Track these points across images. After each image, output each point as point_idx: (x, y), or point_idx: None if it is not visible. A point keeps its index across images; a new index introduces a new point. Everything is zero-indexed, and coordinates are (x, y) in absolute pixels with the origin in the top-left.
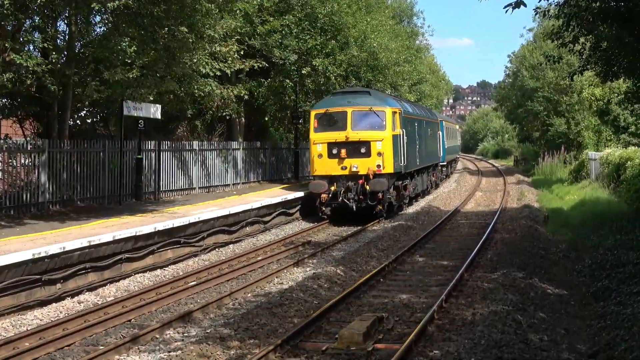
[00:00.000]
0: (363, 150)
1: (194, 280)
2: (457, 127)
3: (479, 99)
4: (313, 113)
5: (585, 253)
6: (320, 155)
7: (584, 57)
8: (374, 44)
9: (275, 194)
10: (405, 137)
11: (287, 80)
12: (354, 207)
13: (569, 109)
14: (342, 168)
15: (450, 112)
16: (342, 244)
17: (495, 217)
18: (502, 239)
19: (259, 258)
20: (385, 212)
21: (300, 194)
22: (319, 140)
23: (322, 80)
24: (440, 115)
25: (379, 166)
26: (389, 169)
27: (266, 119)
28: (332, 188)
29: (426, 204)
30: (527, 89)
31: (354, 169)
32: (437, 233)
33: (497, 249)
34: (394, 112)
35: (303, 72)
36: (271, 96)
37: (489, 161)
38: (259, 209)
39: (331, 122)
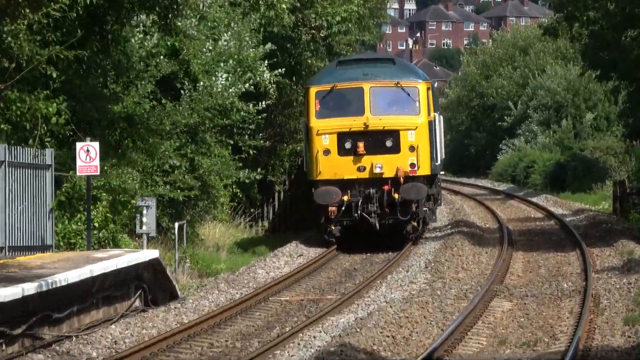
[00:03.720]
0: (389, 143)
1: None
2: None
3: None
4: (313, 90)
5: None
6: (326, 152)
7: None
8: None
9: None
10: (438, 125)
11: None
12: (377, 224)
13: None
14: (359, 169)
15: (410, 41)
16: None
17: None
18: None
19: None
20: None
21: None
22: (324, 129)
23: None
24: None
25: (412, 165)
26: (425, 169)
27: None
28: (345, 198)
29: None
30: None
31: (376, 170)
32: None
33: None
34: (428, 88)
35: None
36: None
37: (534, 201)
38: None
39: (341, 103)
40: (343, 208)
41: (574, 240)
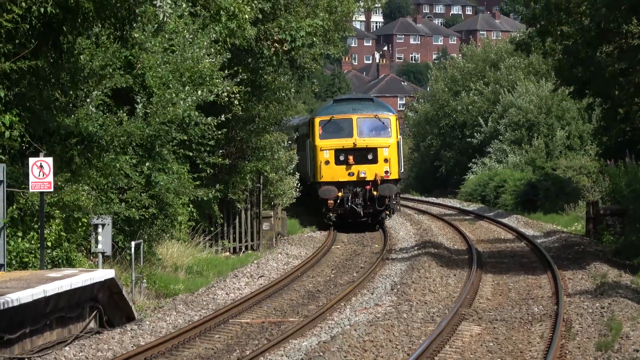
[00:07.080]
0: (370, 156)
1: None
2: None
3: (469, 11)
4: (317, 120)
5: None
6: (327, 162)
7: None
8: None
9: None
10: (402, 145)
11: None
12: (362, 212)
13: None
14: (349, 174)
15: (377, 55)
16: None
17: None
18: None
19: None
20: (389, 216)
21: None
22: (325, 146)
23: None
24: None
25: (386, 172)
26: (394, 174)
27: None
28: (339, 194)
29: None
30: None
31: (361, 175)
32: None
33: None
34: (397, 119)
35: None
36: None
37: (504, 222)
38: None
39: (337, 128)
40: (338, 201)
41: (545, 263)
